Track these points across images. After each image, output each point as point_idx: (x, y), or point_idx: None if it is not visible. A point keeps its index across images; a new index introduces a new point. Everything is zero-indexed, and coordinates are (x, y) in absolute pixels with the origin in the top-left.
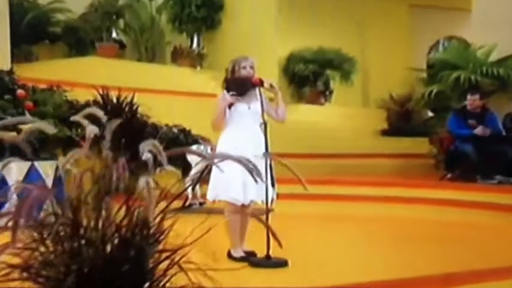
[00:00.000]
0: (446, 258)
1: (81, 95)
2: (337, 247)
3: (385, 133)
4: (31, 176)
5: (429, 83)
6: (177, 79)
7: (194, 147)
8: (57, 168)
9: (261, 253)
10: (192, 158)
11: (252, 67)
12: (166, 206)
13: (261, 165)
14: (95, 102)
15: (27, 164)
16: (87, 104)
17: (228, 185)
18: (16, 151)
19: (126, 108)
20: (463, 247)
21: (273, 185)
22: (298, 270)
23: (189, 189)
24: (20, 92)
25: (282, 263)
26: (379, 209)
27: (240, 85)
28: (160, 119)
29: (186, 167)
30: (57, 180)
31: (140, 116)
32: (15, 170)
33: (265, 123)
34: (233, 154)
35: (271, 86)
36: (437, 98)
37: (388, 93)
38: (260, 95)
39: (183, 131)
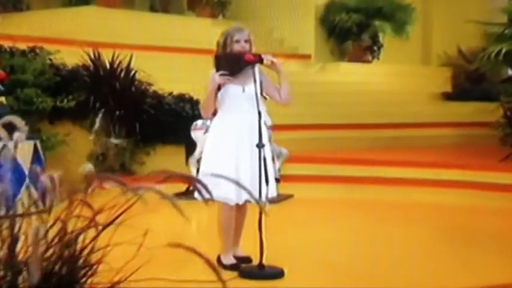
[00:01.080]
0: None
1: (74, 56)
2: (361, 245)
3: (447, 97)
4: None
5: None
6: (193, 33)
7: (199, 122)
8: (35, 148)
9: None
10: (196, 136)
11: (247, 41)
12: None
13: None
14: (85, 67)
15: None
16: (74, 70)
17: (219, 182)
18: None
19: (122, 74)
20: None
21: (267, 182)
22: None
23: (193, 171)
24: None
25: (277, 273)
26: (426, 195)
27: (231, 63)
28: (166, 86)
29: (190, 145)
30: (36, 161)
31: (139, 83)
32: None
33: (259, 112)
34: (225, 144)
35: (271, 62)
36: None
37: (456, 47)
38: (255, 74)
39: (190, 101)
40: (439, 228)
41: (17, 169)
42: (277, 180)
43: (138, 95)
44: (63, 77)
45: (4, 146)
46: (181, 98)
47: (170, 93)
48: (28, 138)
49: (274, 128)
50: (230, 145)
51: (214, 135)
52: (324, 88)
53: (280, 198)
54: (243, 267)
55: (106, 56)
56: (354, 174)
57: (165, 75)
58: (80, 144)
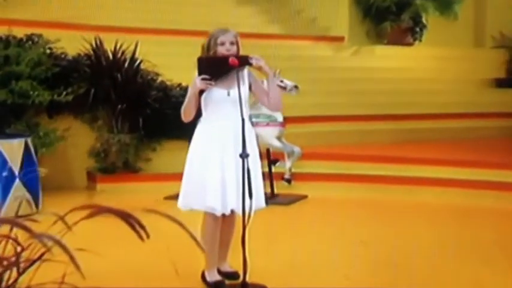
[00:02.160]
0: None
1: (76, 44)
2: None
3: (500, 83)
4: None
5: None
6: (214, 13)
7: None
8: (26, 145)
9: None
10: None
11: (233, 43)
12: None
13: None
14: (87, 56)
15: None
16: (74, 60)
17: (204, 190)
18: None
19: (126, 64)
20: None
21: (250, 195)
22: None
23: None
24: None
25: None
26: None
27: (214, 67)
28: (176, 75)
29: None
30: (27, 163)
31: (145, 73)
32: None
33: (243, 119)
34: (210, 152)
35: (259, 65)
36: None
37: None
38: (239, 78)
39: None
40: (471, 233)
41: (5, 169)
42: (288, 181)
43: (142, 87)
44: (62, 67)
45: None
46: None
47: (179, 85)
48: (19, 135)
49: (294, 120)
50: (215, 153)
51: (198, 142)
52: (356, 74)
53: (292, 200)
54: (223, 286)
55: (111, 42)
56: (378, 173)
57: (176, 63)
58: (81, 139)
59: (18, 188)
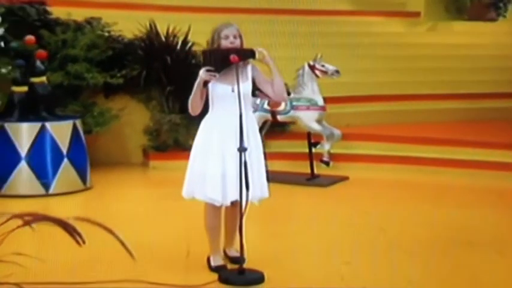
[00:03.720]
0: None
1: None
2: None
3: None
4: (41, 139)
5: None
6: None
7: None
8: (75, 127)
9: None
10: None
11: (236, 36)
12: None
13: (248, 161)
14: (141, 39)
15: (38, 125)
16: (129, 43)
17: (204, 181)
18: (27, 108)
19: (178, 47)
20: None
21: (247, 187)
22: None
23: None
24: (29, 38)
25: (256, 278)
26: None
27: (216, 59)
28: None
29: None
30: (75, 143)
31: (195, 55)
32: (26, 132)
33: (240, 114)
34: (212, 145)
35: (263, 56)
36: None
37: None
38: (238, 75)
39: None
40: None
41: (54, 149)
42: (326, 163)
43: (192, 69)
44: (116, 50)
45: (42, 127)
46: None
47: None
48: (68, 117)
49: (357, 99)
50: (216, 146)
51: (201, 135)
52: (428, 51)
53: (332, 181)
54: (223, 271)
55: (167, 21)
56: (430, 156)
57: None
58: (136, 118)
59: (66, 167)
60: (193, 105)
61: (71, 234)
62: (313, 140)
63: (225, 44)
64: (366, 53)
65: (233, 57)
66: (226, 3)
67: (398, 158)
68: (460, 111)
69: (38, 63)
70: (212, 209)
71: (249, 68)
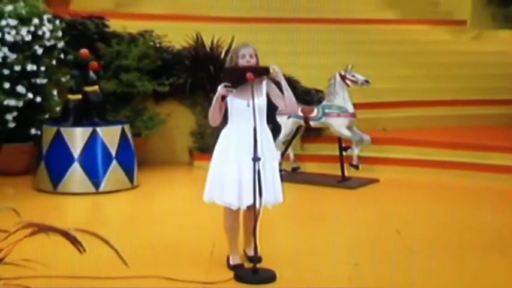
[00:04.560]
0: None
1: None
2: None
3: None
4: (93, 142)
5: None
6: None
7: None
8: (123, 131)
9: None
10: (281, 120)
11: (252, 55)
12: None
13: (262, 169)
14: (188, 50)
15: (89, 130)
16: (177, 53)
17: (222, 187)
18: (81, 114)
19: (222, 56)
20: None
21: (260, 194)
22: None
23: (278, 154)
24: (83, 51)
25: (269, 278)
26: None
27: (234, 76)
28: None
29: (275, 128)
30: (123, 145)
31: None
32: (79, 136)
33: (255, 128)
34: (229, 154)
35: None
36: None
37: None
38: (253, 92)
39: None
40: None
41: (104, 152)
42: (356, 167)
43: None
44: (166, 60)
45: (94, 131)
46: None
47: None
48: (117, 122)
49: (397, 105)
50: (233, 155)
51: (221, 144)
52: (472, 59)
53: (362, 183)
54: (239, 270)
55: (212, 32)
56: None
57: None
58: (183, 121)
59: (115, 168)
60: (212, 117)
61: (73, 243)
62: (344, 144)
63: (242, 62)
64: (408, 61)
65: (249, 75)
66: (268, 14)
67: (430, 162)
68: (500, 116)
69: (91, 73)
70: (230, 213)
71: (264, 84)
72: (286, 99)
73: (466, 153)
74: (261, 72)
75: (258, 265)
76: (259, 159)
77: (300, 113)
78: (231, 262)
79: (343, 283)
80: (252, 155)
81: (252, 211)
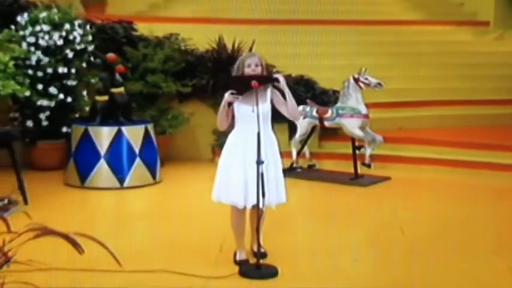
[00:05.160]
0: None
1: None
2: None
3: None
4: (118, 140)
5: None
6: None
7: (300, 108)
8: (146, 130)
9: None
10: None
11: (257, 65)
12: None
13: (266, 171)
14: (211, 52)
15: (115, 129)
16: (200, 56)
17: (229, 187)
18: (108, 114)
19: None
20: None
21: (263, 195)
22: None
23: (294, 152)
24: (109, 55)
25: (271, 273)
26: None
27: (240, 85)
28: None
29: (292, 128)
30: (147, 144)
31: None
32: (105, 135)
33: (258, 133)
34: (236, 157)
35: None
36: None
37: None
38: (257, 99)
39: (306, 83)
40: None
41: (129, 150)
42: (368, 166)
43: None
44: (189, 62)
45: (119, 130)
46: (298, 80)
47: (289, 75)
48: (141, 122)
49: (418, 104)
50: (239, 157)
51: (228, 147)
52: (495, 59)
53: (373, 181)
54: (244, 265)
55: (234, 34)
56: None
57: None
58: (206, 120)
59: (138, 164)
60: (220, 121)
61: (73, 245)
62: (357, 143)
63: (247, 71)
64: (432, 61)
65: (254, 83)
66: (291, 16)
67: (443, 161)
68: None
69: (118, 76)
70: (236, 211)
71: (269, 91)
72: (289, 106)
73: (482, 153)
74: (266, 80)
75: (262, 261)
76: (262, 162)
77: (315, 114)
78: (238, 258)
79: (342, 281)
80: (256, 157)
81: (262, 208)
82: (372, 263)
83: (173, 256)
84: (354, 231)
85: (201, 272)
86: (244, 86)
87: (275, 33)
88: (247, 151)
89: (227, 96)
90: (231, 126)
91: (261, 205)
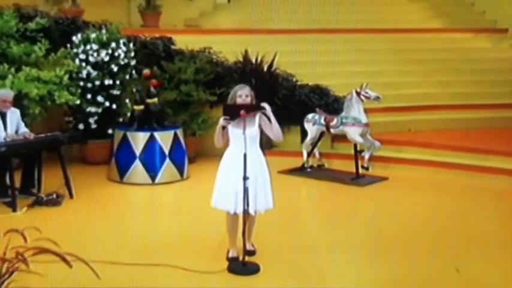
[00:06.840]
0: None
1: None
2: None
3: None
4: (151, 143)
5: None
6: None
7: (310, 116)
8: (175, 134)
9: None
10: (308, 126)
11: (247, 95)
12: None
13: (253, 185)
14: (237, 64)
15: (148, 134)
16: (228, 67)
17: (222, 196)
18: (143, 121)
19: (265, 69)
20: None
21: (247, 205)
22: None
23: (305, 154)
24: (145, 72)
25: (254, 269)
26: None
27: (231, 112)
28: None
29: (303, 133)
30: (176, 146)
31: (277, 78)
32: (140, 139)
33: (245, 155)
34: (229, 171)
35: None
36: None
37: None
38: (245, 125)
39: (320, 91)
40: None
41: (160, 151)
42: (366, 168)
43: (273, 87)
44: (218, 73)
45: (152, 135)
46: (314, 89)
47: (306, 84)
48: (171, 127)
49: (430, 108)
50: (232, 173)
51: (223, 163)
52: (510, 65)
53: (370, 181)
54: (233, 262)
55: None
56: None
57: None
58: None
59: (168, 164)
60: (216, 141)
61: (63, 260)
62: (359, 148)
63: (239, 100)
64: (450, 67)
65: (242, 112)
66: (316, 25)
67: (438, 163)
68: None
69: (152, 89)
70: (230, 216)
71: (257, 117)
72: (274, 129)
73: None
74: (254, 109)
75: (251, 258)
76: (247, 178)
77: (323, 122)
78: (230, 255)
79: (322, 279)
80: (242, 177)
81: (250, 216)
82: (349, 263)
83: (174, 250)
84: (339, 230)
85: (195, 267)
86: (235, 114)
87: (307, 42)
88: (239, 166)
89: (221, 121)
90: (227, 143)
91: (251, 211)
